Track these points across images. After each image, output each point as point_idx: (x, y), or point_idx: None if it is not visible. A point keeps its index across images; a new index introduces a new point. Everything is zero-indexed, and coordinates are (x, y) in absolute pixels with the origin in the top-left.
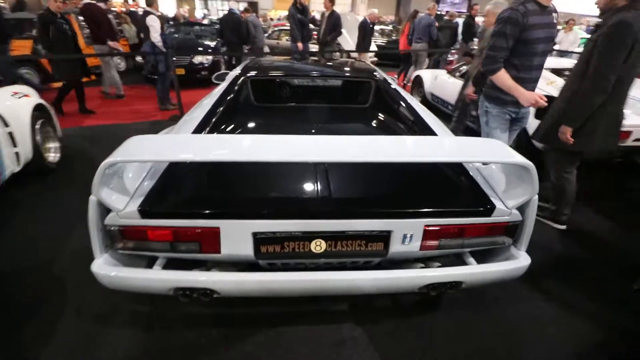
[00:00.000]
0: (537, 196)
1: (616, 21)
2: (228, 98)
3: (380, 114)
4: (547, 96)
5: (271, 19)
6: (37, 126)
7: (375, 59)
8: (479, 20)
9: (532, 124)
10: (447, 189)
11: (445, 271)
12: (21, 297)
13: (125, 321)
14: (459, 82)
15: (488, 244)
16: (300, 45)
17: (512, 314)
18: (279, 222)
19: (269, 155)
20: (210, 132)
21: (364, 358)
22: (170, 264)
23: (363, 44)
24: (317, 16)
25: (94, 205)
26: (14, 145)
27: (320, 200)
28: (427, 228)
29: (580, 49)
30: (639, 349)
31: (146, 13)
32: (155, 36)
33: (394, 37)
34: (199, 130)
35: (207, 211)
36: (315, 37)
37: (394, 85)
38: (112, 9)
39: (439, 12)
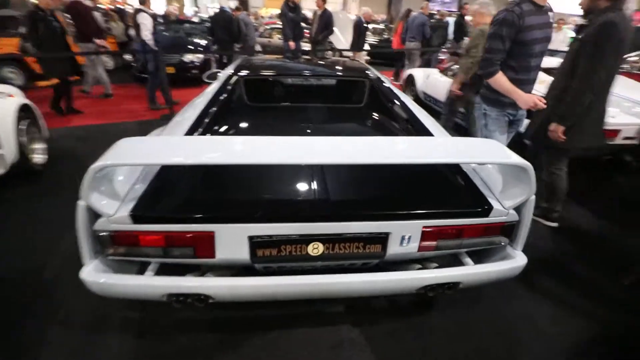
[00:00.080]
0: (534, 196)
1: (603, 22)
2: (221, 98)
3: (375, 114)
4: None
5: (262, 17)
6: (23, 127)
7: (368, 57)
8: (469, 19)
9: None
10: (445, 190)
11: (443, 272)
12: (5, 305)
13: (115, 328)
14: (451, 81)
15: (485, 244)
16: (292, 44)
17: (509, 313)
18: (275, 226)
19: (265, 157)
20: (203, 133)
21: (363, 359)
22: (163, 269)
23: (358, 43)
24: (309, 14)
25: (83, 210)
26: None
27: (317, 203)
28: (425, 229)
29: None
30: (633, 343)
31: (137, 11)
32: (147, 34)
33: (385, 36)
34: (191, 131)
35: (202, 215)
36: (308, 35)
37: (388, 85)
38: (100, 6)
39: (429, 11)
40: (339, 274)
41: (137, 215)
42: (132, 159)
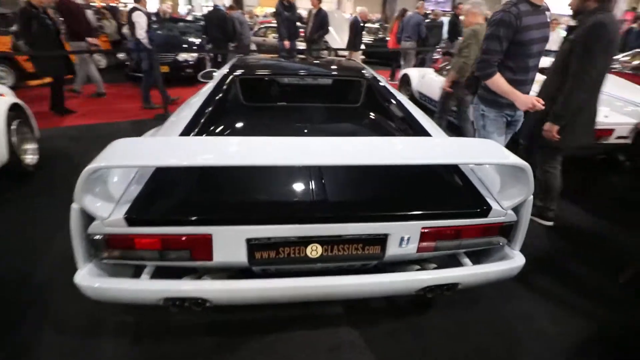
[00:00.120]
0: (532, 196)
1: (593, 23)
2: (216, 98)
3: (372, 114)
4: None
5: (257, 16)
6: (13, 127)
7: (363, 57)
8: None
9: None
10: (443, 190)
11: (442, 273)
12: None
13: (111, 332)
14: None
15: (484, 244)
16: (287, 43)
17: (508, 312)
18: (273, 228)
19: (263, 159)
20: (199, 133)
21: None
22: (159, 272)
23: (354, 43)
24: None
25: (76, 213)
26: None
27: (315, 204)
28: (423, 230)
29: None
30: (630, 342)
31: (133, 9)
32: (141, 33)
33: (380, 35)
34: (187, 131)
35: (199, 217)
36: (303, 34)
37: (385, 84)
38: (92, 4)
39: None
40: (338, 276)
41: (133, 218)
42: (127, 161)
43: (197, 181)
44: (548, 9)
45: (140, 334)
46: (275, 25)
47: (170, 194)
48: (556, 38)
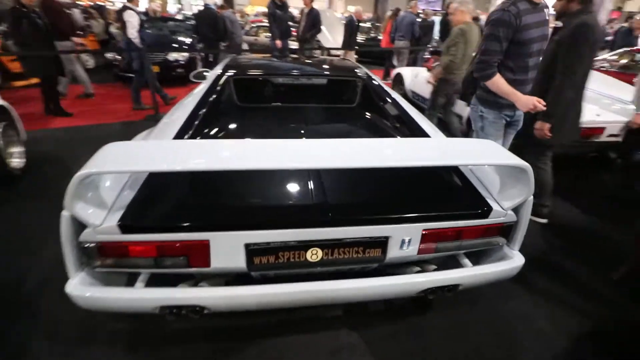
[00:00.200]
0: (532, 197)
1: (578, 23)
2: (210, 99)
3: (368, 114)
4: None
5: (248, 15)
6: None
7: (356, 56)
8: None
9: None
10: (443, 192)
11: (444, 275)
12: None
13: (104, 340)
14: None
15: (483, 245)
16: (279, 42)
17: (506, 312)
18: (273, 232)
19: (261, 162)
20: (193, 136)
21: None
22: (154, 279)
23: (350, 42)
24: (296, 13)
25: (67, 221)
26: None
27: (315, 207)
28: (425, 232)
29: None
30: (626, 339)
31: (124, 8)
32: (132, 32)
33: (372, 35)
34: (181, 134)
35: (195, 223)
36: (295, 34)
37: (381, 84)
38: (79, 3)
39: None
40: (339, 280)
41: (127, 225)
42: (120, 166)
43: (193, 185)
44: (547, 6)
45: (135, 341)
46: (267, 24)
47: (165, 199)
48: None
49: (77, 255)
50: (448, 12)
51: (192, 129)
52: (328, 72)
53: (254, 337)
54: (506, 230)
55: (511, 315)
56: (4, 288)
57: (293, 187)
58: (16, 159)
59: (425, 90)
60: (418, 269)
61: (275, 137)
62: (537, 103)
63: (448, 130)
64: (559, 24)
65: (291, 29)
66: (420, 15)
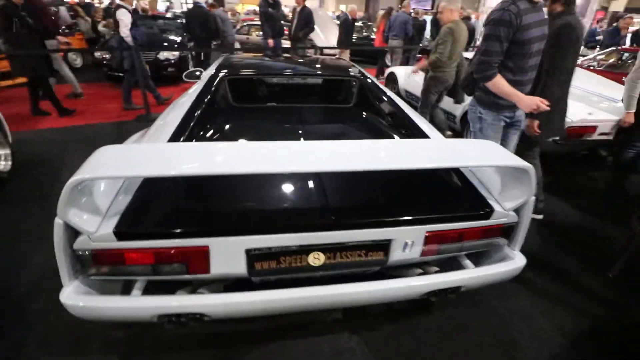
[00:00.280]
0: (533, 197)
1: (561, 24)
2: (205, 100)
3: (366, 114)
4: None
5: (238, 13)
6: None
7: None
8: None
9: None
10: (445, 193)
11: (446, 277)
12: None
13: (99, 349)
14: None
15: (485, 246)
16: (271, 42)
17: (504, 310)
18: (274, 237)
19: (261, 166)
20: (189, 138)
21: None
22: (151, 285)
23: (345, 41)
24: (287, 11)
25: (60, 228)
26: None
27: (317, 211)
28: (427, 234)
29: None
30: (623, 334)
31: (117, 7)
32: (125, 30)
33: (364, 34)
34: (176, 136)
35: (194, 229)
36: (287, 32)
37: (377, 84)
38: (65, 0)
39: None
40: (342, 284)
41: (122, 232)
42: (115, 171)
43: (191, 189)
44: (545, 6)
45: (131, 347)
46: (258, 23)
47: (163, 204)
48: None
49: (72, 264)
50: (438, 11)
51: (187, 130)
52: (324, 72)
53: (254, 342)
54: (507, 231)
55: (509, 313)
56: None
57: (294, 190)
58: (2, 162)
59: (419, 89)
60: (420, 271)
61: (273, 137)
62: (540, 103)
63: (432, 122)
64: None
65: (283, 27)
66: (412, 14)
